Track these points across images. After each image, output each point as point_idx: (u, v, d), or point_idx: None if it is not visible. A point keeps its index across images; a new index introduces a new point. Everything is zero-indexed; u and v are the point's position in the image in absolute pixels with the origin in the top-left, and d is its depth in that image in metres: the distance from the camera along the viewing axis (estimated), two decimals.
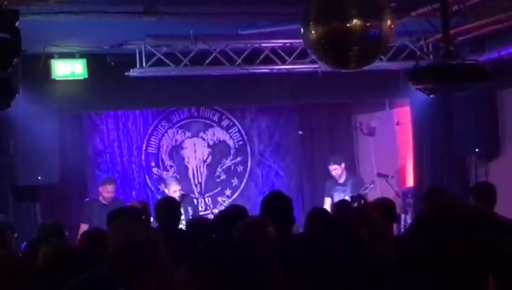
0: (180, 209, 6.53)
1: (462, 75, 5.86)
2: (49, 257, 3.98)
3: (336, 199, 8.93)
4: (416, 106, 9.92)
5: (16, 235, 6.45)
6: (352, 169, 10.60)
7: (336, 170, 9.69)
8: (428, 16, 7.27)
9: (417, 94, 7.68)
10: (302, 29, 5.63)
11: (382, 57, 8.14)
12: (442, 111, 9.66)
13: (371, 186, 9.30)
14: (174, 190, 9.01)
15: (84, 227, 8.36)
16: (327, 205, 9.43)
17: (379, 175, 10.08)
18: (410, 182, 10.41)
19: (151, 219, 6.64)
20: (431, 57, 8.88)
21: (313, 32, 5.46)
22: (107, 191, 8.94)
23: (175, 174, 10.44)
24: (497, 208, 5.65)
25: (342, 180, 9.64)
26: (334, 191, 9.54)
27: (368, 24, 5.32)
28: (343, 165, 9.74)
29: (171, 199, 6.70)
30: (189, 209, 8.72)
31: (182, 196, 8.88)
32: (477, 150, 9.39)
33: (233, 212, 5.06)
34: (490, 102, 9.29)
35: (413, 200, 9.76)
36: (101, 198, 8.98)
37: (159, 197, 10.30)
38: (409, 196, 9.88)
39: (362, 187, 9.18)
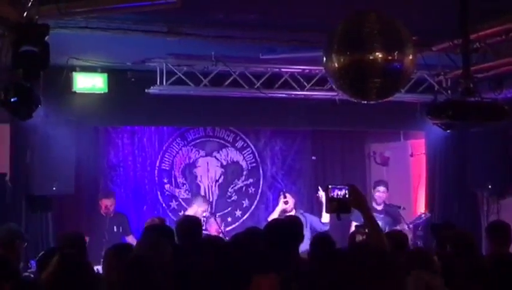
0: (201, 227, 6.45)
1: (481, 113, 5.86)
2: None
3: None
4: (432, 139, 9.94)
5: (26, 244, 6.50)
6: None
7: (384, 193, 9.54)
8: (449, 52, 7.33)
9: (433, 127, 7.70)
10: (324, 58, 5.68)
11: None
12: (457, 146, 9.68)
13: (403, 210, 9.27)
14: (202, 209, 9.07)
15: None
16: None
17: (390, 206, 10.07)
18: None
19: None
20: (449, 92, 8.91)
21: (335, 62, 5.51)
22: (105, 206, 8.91)
23: (187, 193, 10.50)
24: None
25: (380, 207, 9.52)
26: None
27: (390, 57, 5.37)
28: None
29: (193, 218, 6.69)
30: None
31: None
32: (490, 186, 9.40)
33: (251, 235, 5.10)
34: (505, 139, 9.30)
35: (423, 232, 9.74)
36: (102, 212, 9.00)
37: (170, 213, 10.38)
38: (419, 228, 9.86)
39: (398, 216, 9.14)
